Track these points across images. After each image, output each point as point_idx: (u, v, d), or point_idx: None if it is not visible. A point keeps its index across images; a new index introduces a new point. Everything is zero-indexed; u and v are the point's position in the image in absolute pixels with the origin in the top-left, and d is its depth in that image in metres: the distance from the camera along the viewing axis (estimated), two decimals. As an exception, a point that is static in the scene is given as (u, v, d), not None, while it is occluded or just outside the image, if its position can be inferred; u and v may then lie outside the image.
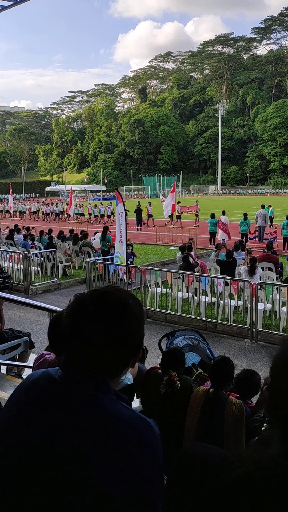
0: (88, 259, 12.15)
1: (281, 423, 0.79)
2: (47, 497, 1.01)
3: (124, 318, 1.14)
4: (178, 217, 28.45)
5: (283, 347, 0.82)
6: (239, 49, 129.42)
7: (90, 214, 36.36)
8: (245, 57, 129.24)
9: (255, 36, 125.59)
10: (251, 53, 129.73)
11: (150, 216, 30.12)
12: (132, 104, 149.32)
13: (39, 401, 1.12)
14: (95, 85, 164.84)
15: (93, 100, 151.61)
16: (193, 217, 27.88)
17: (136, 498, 0.98)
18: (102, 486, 0.98)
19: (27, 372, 5.79)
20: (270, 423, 0.82)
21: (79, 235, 16.45)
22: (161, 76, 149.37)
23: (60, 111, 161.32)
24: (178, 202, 28.10)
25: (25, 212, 42.34)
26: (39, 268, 13.31)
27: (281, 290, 8.46)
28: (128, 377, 2.81)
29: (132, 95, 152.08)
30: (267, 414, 0.83)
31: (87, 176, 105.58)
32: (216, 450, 0.89)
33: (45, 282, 12.67)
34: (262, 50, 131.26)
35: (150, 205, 30.93)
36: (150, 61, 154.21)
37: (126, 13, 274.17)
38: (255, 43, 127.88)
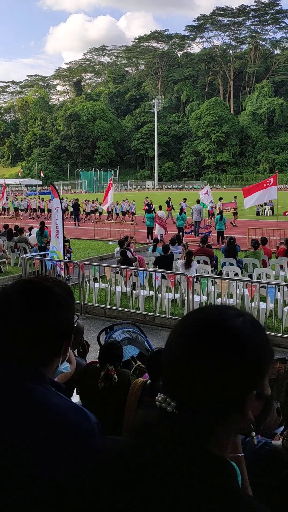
0: (24, 255, 11.81)
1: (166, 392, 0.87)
2: None
3: (46, 306, 1.12)
4: (124, 213, 28.29)
5: (170, 333, 0.90)
6: (173, 46, 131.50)
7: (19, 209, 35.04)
8: (179, 54, 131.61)
9: (188, 34, 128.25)
10: (185, 50, 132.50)
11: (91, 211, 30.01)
12: (67, 97, 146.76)
13: None
14: (28, 76, 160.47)
15: (26, 91, 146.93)
16: (230, 215, 23.28)
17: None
18: (47, 479, 0.97)
19: None
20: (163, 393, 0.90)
21: (14, 231, 15.94)
22: (96, 69, 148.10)
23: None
24: (220, 198, 23.60)
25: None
26: (-29, 266, 12.74)
27: (216, 283, 8.75)
28: (65, 366, 2.75)
29: (67, 88, 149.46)
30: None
31: (22, 170, 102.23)
32: (120, 440, 0.93)
33: (-22, 280, 12.14)
34: (195, 48, 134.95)
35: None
36: (84, 54, 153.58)
37: (56, 7, 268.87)
38: (188, 41, 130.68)
